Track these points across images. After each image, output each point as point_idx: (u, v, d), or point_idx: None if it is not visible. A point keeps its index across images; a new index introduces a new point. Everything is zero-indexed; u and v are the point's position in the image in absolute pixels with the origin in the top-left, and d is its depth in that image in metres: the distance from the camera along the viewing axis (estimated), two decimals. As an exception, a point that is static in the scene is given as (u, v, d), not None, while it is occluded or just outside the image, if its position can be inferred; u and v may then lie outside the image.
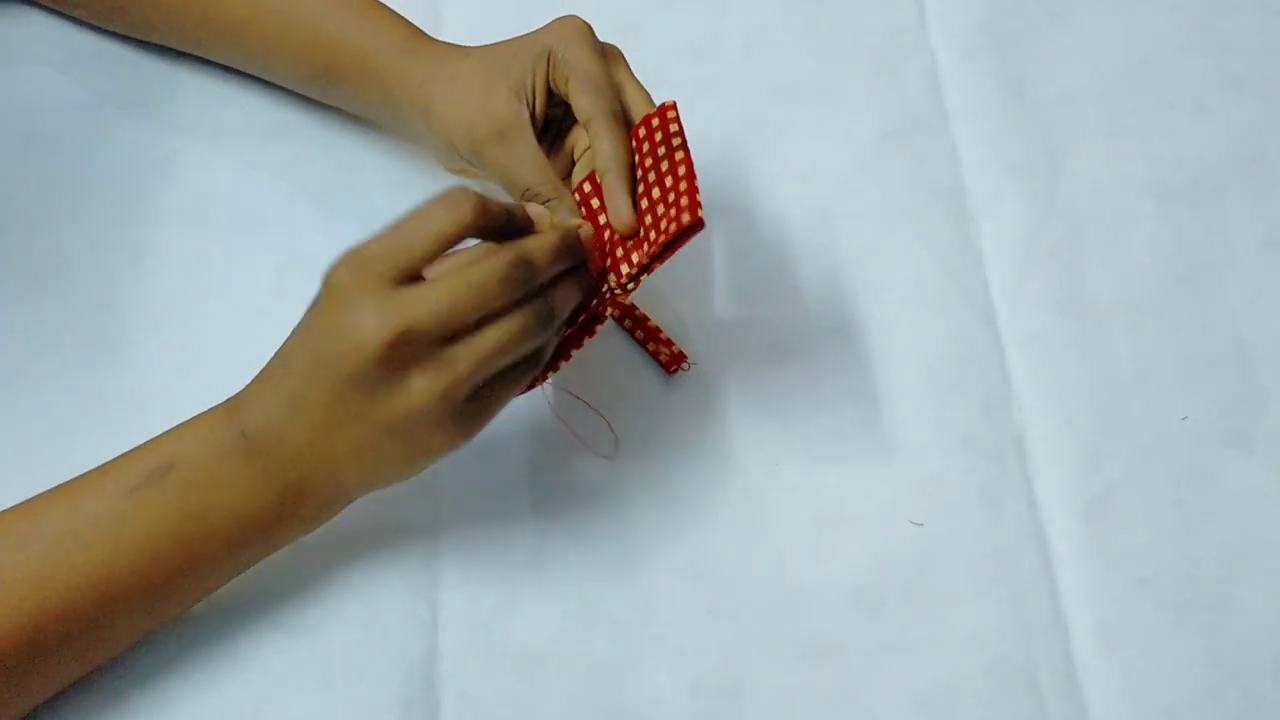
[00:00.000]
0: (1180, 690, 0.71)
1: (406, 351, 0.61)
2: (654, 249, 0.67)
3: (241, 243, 0.81)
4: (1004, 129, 0.87)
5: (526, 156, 0.72)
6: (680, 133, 0.69)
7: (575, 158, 0.74)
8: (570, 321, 0.68)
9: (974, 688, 0.70)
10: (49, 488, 0.64)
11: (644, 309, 0.79)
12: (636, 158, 0.70)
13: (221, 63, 0.84)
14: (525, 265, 0.63)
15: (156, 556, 0.63)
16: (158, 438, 0.65)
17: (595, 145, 0.70)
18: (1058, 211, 0.85)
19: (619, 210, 0.69)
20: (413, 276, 0.62)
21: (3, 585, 0.61)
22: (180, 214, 0.82)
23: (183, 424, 0.65)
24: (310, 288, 0.81)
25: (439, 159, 0.79)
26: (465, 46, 0.77)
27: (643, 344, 0.78)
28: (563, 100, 0.73)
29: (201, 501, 0.63)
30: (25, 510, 0.64)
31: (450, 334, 0.61)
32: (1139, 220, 0.85)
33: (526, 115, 0.72)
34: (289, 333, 0.65)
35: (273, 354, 0.65)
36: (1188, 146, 0.87)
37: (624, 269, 0.69)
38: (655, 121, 0.70)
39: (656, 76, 0.75)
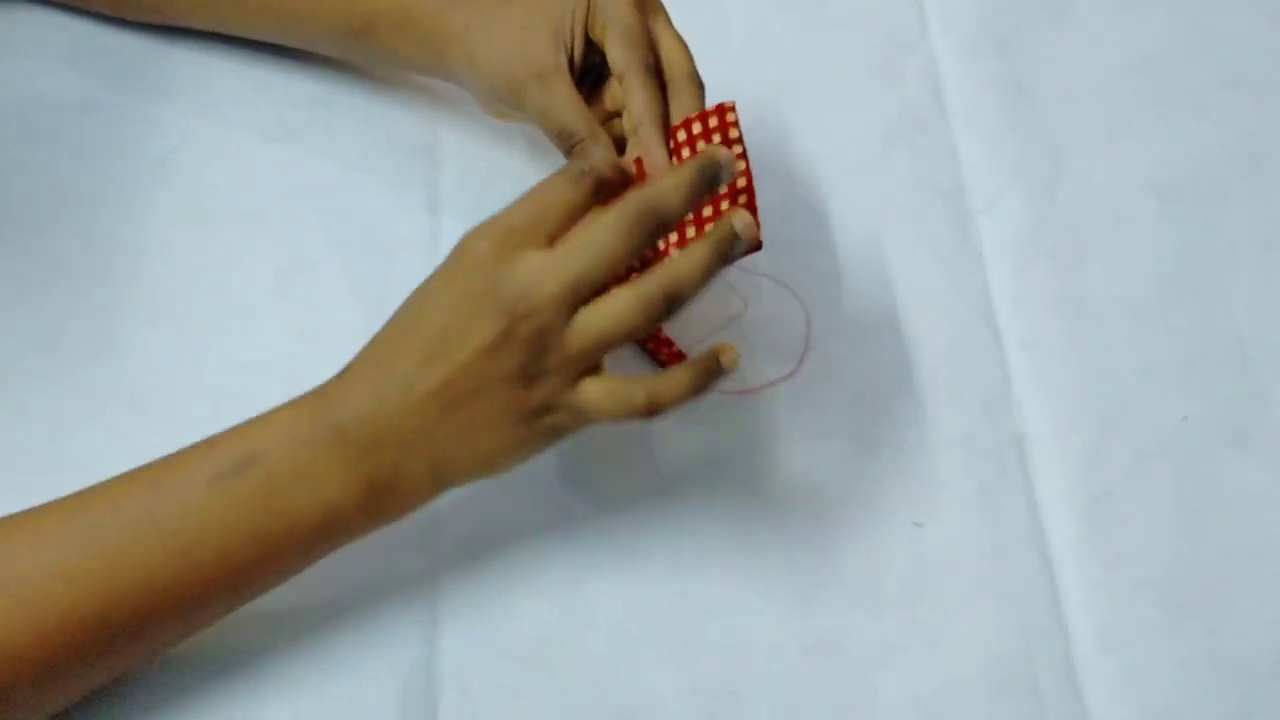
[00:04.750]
0: (1180, 690, 0.71)
1: (567, 307, 0.61)
2: None
3: (241, 243, 0.81)
4: (1004, 129, 0.87)
5: (564, 99, 0.73)
6: (740, 139, 0.69)
7: (617, 104, 0.75)
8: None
9: (974, 688, 0.70)
10: (128, 471, 0.64)
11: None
12: (687, 152, 0.70)
13: (249, 36, 0.85)
14: (651, 207, 0.62)
15: (233, 549, 0.63)
16: (241, 426, 0.64)
17: (628, 99, 0.71)
18: (1058, 211, 0.85)
19: (654, 160, 0.70)
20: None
21: (76, 569, 0.61)
22: (179, 214, 0.82)
23: (267, 413, 0.65)
24: (310, 288, 0.81)
25: (481, 103, 0.80)
26: None
27: (642, 344, 0.78)
28: (601, 50, 0.73)
29: (284, 495, 0.63)
30: (101, 493, 0.63)
31: (593, 288, 0.62)
32: (1139, 220, 0.85)
33: (564, 60, 0.73)
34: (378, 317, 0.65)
35: (366, 344, 0.65)
36: (1188, 146, 0.87)
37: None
38: (713, 121, 0.70)
39: (656, 76, 0.75)
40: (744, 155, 0.69)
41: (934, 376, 0.79)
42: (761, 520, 0.74)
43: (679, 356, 0.78)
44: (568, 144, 0.73)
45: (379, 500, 0.65)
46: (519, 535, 0.73)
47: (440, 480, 0.66)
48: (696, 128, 0.71)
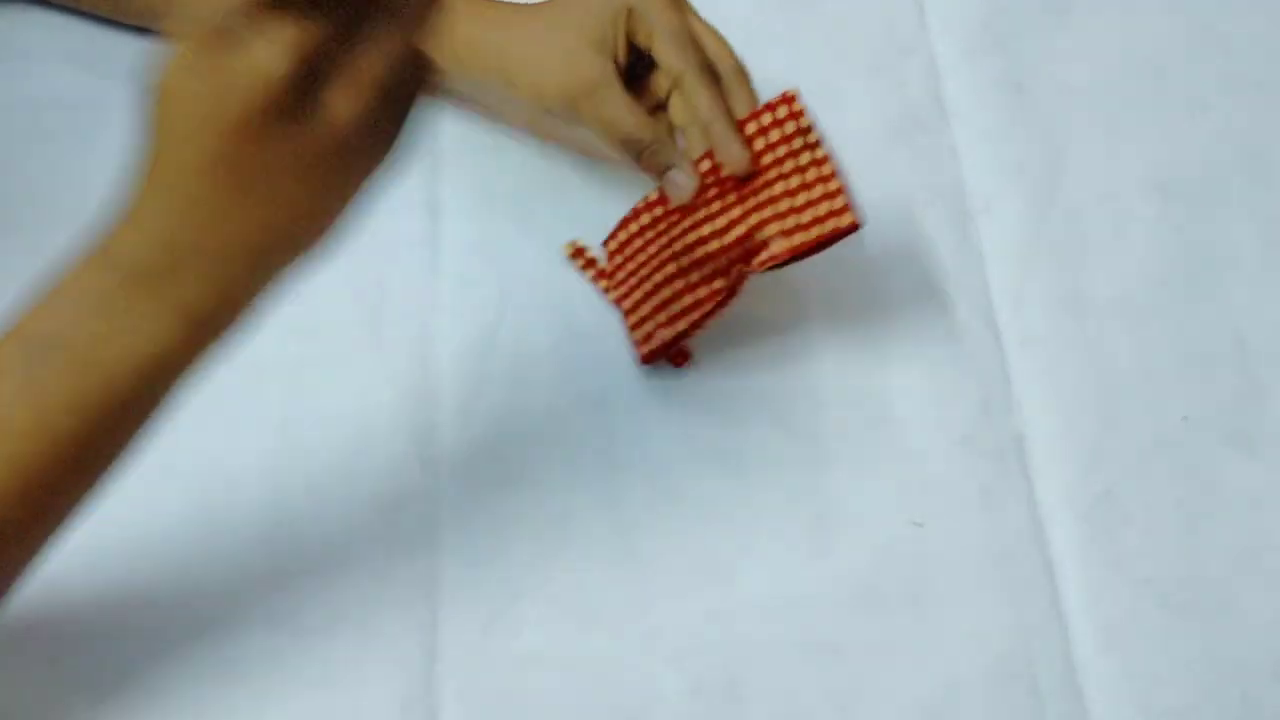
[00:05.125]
0: (1180, 690, 0.71)
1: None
2: (803, 246, 0.71)
3: (241, 243, 0.81)
4: (1004, 129, 0.87)
5: (622, 108, 0.73)
6: (813, 126, 0.71)
7: (662, 98, 0.75)
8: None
9: (974, 688, 0.70)
10: None
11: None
12: (762, 143, 0.72)
13: None
14: None
15: (63, 433, 0.56)
16: (22, 318, 0.57)
17: (693, 100, 0.72)
18: (1058, 211, 0.85)
19: (733, 154, 0.71)
20: None
21: None
22: (180, 214, 0.82)
23: (48, 296, 0.57)
24: (310, 288, 0.81)
25: (525, 125, 0.81)
26: (531, 5, 0.77)
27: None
28: (644, 54, 0.74)
29: (99, 367, 0.56)
30: None
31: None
32: (1139, 220, 0.85)
33: (614, 71, 0.74)
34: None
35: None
36: (1188, 146, 0.87)
37: (763, 255, 0.71)
38: (781, 110, 0.72)
39: (656, 76, 0.75)
40: (821, 141, 0.71)
41: (934, 376, 0.79)
42: (761, 520, 0.74)
43: (683, 355, 0.78)
44: (635, 150, 0.74)
45: (204, 325, 0.58)
46: (519, 535, 0.73)
47: (265, 270, 0.59)
48: (766, 118, 0.72)
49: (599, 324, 0.79)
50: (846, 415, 0.77)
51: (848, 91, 0.89)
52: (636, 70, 0.76)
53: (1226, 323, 0.81)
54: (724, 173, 0.73)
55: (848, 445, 0.77)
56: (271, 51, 0.52)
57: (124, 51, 0.86)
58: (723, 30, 0.90)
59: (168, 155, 0.55)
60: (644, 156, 0.73)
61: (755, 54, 0.90)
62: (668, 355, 0.76)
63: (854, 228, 0.70)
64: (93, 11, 0.86)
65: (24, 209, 0.81)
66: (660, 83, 0.75)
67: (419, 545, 0.73)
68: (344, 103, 0.55)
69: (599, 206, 0.78)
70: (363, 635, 0.70)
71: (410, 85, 0.57)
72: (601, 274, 0.80)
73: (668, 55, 0.73)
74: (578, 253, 0.81)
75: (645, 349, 0.76)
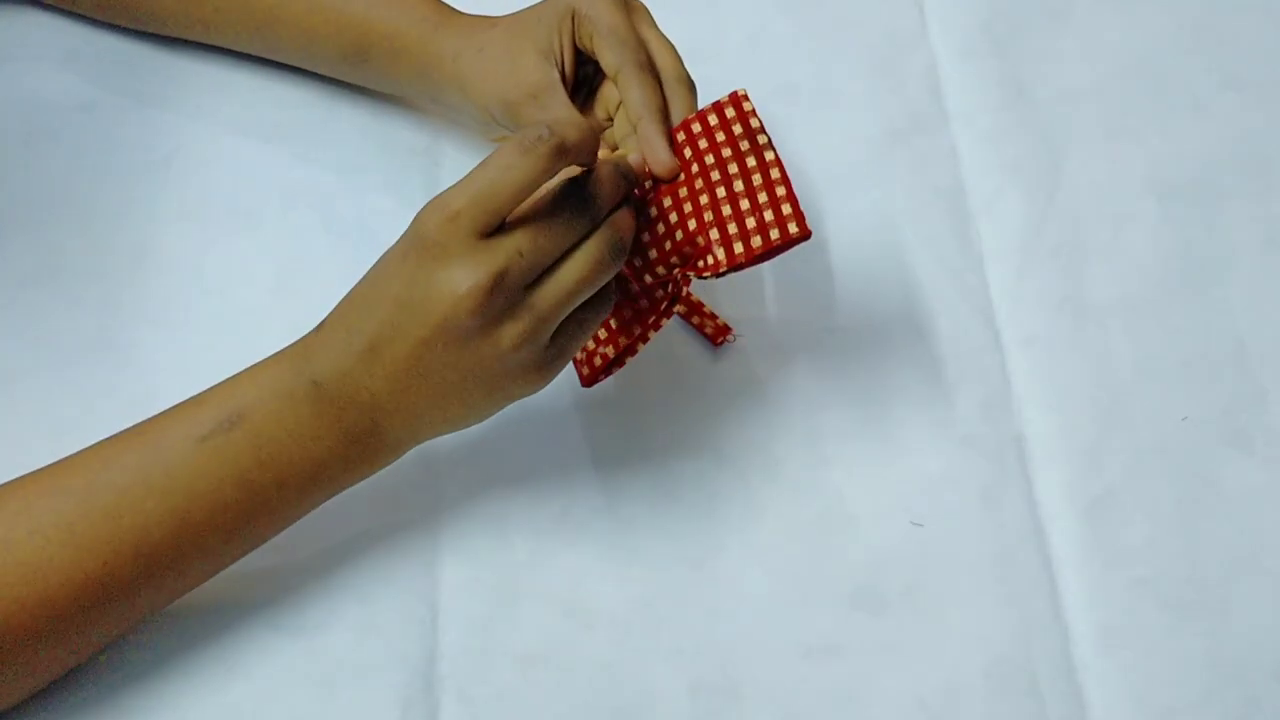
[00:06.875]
0: (1180, 690, 0.71)
1: (499, 300, 0.62)
2: (747, 255, 0.67)
3: (241, 243, 0.81)
4: (1004, 129, 0.87)
5: (561, 115, 0.72)
6: (763, 128, 0.68)
7: (610, 112, 0.75)
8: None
9: (974, 688, 0.70)
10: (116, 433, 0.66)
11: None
12: (705, 144, 0.69)
13: (241, 50, 0.85)
14: (593, 201, 0.64)
15: (228, 503, 0.64)
16: (225, 383, 0.66)
17: (625, 95, 0.71)
18: (1058, 211, 0.85)
19: (657, 154, 0.69)
20: (498, 226, 0.63)
21: (76, 531, 0.62)
22: (180, 214, 0.82)
23: (250, 369, 0.66)
24: (310, 288, 0.81)
25: (478, 129, 0.81)
26: (492, 16, 0.77)
27: (685, 318, 0.78)
28: (591, 59, 0.74)
29: (271, 451, 0.64)
30: (93, 455, 0.65)
31: (535, 278, 0.63)
32: (1139, 220, 0.85)
33: (556, 75, 0.73)
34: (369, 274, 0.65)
35: (342, 299, 0.66)
36: (1188, 146, 0.87)
37: (708, 259, 0.67)
38: (730, 111, 0.69)
39: (656, 76, 0.75)
40: (770, 144, 0.68)
41: (934, 377, 0.79)
42: (761, 520, 0.74)
43: (726, 329, 0.79)
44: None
45: (363, 452, 0.67)
46: (519, 535, 0.73)
47: (417, 435, 0.68)
48: (713, 119, 0.69)
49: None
50: (846, 415, 0.77)
51: (848, 91, 0.89)
52: (589, 89, 0.76)
53: (1226, 323, 0.81)
54: (647, 171, 0.70)
55: (848, 445, 0.77)
56: (471, 278, 0.61)
57: (124, 52, 0.86)
58: (722, 31, 0.91)
59: (376, 318, 0.64)
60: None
61: (755, 54, 0.90)
62: (608, 375, 0.72)
63: (803, 237, 0.66)
64: (92, 13, 0.86)
65: (24, 209, 0.81)
66: (611, 98, 0.74)
67: (419, 545, 0.73)
68: (518, 337, 0.63)
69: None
70: (363, 635, 0.70)
71: (581, 336, 0.66)
72: None
73: (605, 52, 0.72)
74: None
75: (585, 369, 0.72)
